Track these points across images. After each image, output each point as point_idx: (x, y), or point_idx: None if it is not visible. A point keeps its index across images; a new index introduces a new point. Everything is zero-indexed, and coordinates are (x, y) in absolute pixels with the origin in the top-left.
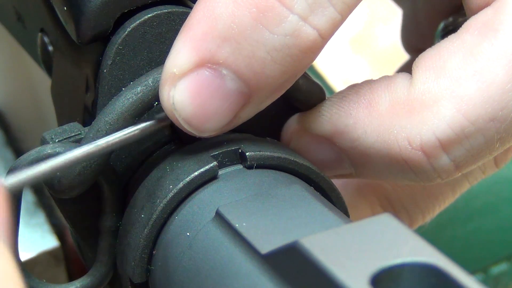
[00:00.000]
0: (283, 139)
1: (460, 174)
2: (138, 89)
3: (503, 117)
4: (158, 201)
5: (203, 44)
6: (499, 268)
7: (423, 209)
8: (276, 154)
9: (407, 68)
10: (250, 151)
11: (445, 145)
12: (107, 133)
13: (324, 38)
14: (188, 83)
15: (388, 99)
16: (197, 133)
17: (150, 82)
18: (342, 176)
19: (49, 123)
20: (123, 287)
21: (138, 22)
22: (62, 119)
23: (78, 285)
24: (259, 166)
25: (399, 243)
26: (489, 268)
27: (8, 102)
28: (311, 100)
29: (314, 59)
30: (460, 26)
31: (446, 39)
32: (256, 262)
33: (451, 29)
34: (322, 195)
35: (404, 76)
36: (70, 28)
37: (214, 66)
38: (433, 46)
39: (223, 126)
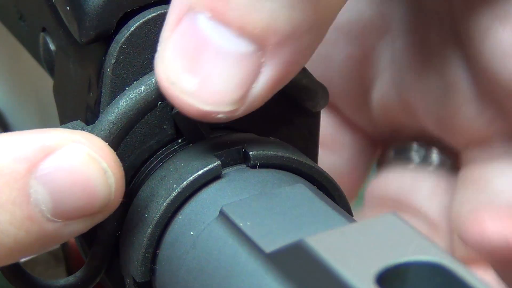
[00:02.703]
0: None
1: None
2: (142, 88)
3: None
4: (161, 200)
5: None
6: None
7: None
8: (279, 154)
9: None
10: (253, 151)
11: None
12: (110, 133)
13: None
14: None
15: None
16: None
17: (153, 81)
18: None
19: (51, 124)
20: (127, 286)
21: (142, 21)
22: (65, 119)
23: (63, 283)
24: (262, 166)
25: (405, 242)
26: None
27: (8, 102)
28: (315, 100)
29: None
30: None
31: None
32: (260, 261)
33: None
34: (325, 194)
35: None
36: (72, 28)
37: None
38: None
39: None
